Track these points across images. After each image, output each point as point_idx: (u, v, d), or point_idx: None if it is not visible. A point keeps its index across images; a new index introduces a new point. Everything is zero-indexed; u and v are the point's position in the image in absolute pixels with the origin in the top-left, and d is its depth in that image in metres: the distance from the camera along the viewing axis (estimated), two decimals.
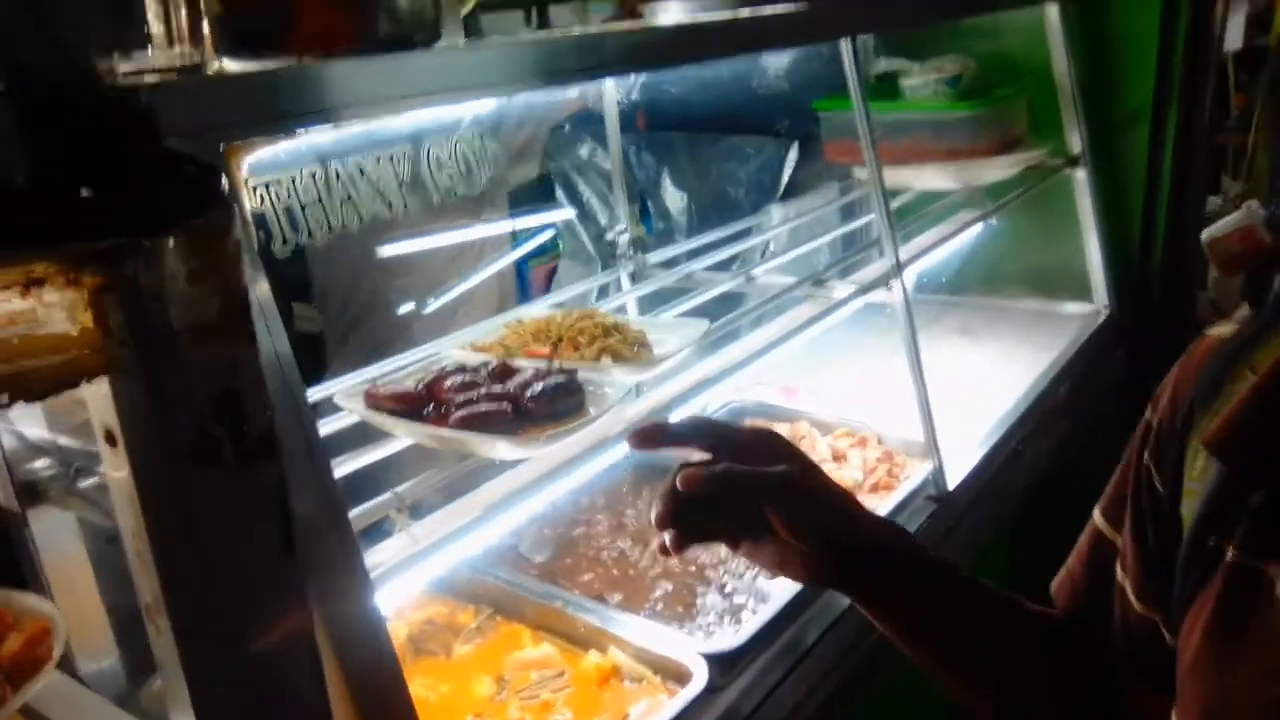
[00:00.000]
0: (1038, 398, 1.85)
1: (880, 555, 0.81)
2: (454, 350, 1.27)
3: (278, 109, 0.70)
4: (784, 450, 0.83)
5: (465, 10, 1.23)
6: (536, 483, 1.10)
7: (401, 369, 1.23)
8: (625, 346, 1.20)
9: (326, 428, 1.11)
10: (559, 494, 1.43)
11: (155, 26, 0.73)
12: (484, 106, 0.94)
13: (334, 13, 0.81)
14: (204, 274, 0.62)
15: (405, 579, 0.98)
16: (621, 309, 1.74)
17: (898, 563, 0.83)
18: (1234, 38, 2.53)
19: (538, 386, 1.07)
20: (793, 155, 2.57)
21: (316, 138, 0.77)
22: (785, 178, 2.59)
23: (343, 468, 1.04)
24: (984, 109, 2.02)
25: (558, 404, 1.07)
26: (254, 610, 0.69)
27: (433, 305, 1.84)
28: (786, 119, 2.61)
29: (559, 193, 2.86)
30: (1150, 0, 2.08)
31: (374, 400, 1.11)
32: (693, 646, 1.15)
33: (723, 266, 1.85)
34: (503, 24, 2.69)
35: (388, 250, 1.73)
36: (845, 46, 1.43)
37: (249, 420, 0.66)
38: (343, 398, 1.12)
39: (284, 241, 0.75)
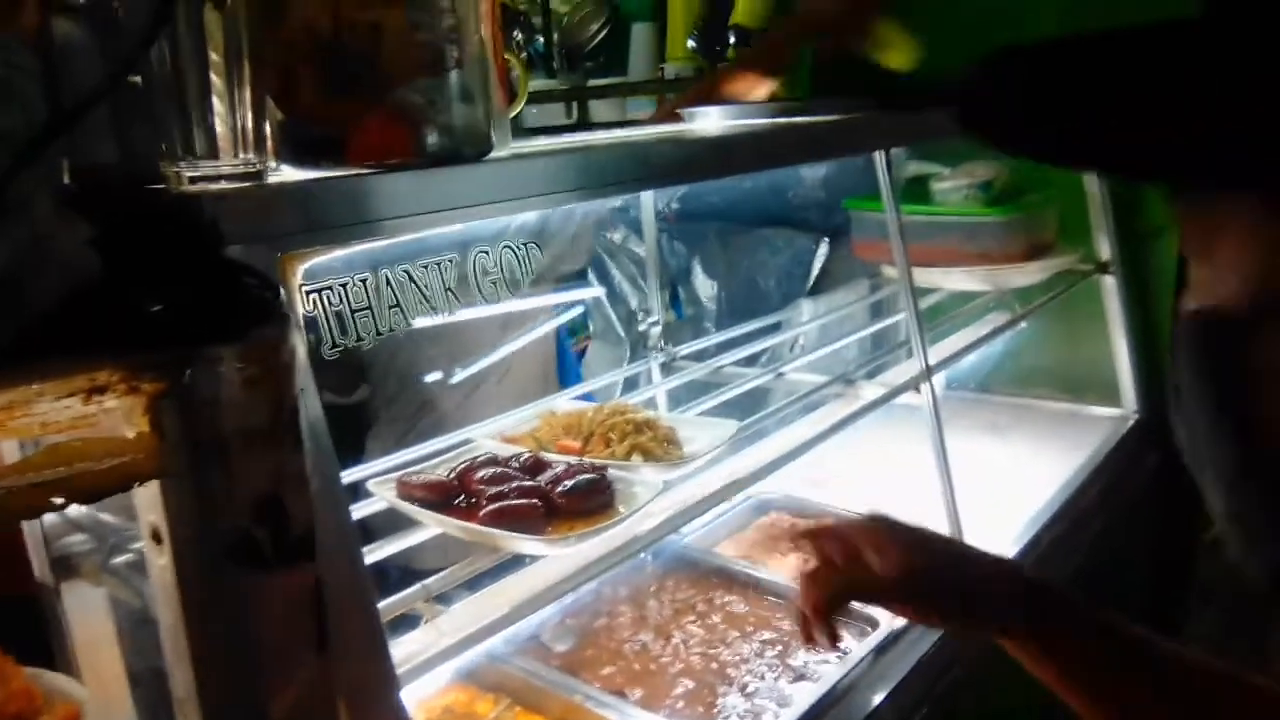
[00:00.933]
0: (1069, 498, 1.84)
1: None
2: (486, 440, 1.29)
3: (332, 220, 0.74)
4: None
5: (514, 112, 1.29)
6: (565, 581, 1.10)
7: (435, 455, 1.25)
8: (656, 444, 1.22)
9: (359, 512, 1.13)
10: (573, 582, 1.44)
11: (222, 132, 0.76)
12: (531, 214, 0.97)
13: (391, 127, 0.85)
14: (257, 382, 0.64)
15: (431, 671, 0.99)
16: (651, 401, 1.76)
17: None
18: None
19: (568, 483, 1.09)
20: (823, 249, 2.60)
21: (368, 245, 0.80)
22: (815, 271, 2.62)
23: (372, 555, 1.06)
24: (1015, 214, 2.05)
25: (587, 501, 1.09)
26: (285, 707, 0.70)
27: (470, 373, 1.91)
28: (817, 213, 2.65)
29: (590, 274, 2.91)
30: None
31: (405, 489, 1.13)
32: None
33: (751, 360, 1.88)
34: (546, 114, 2.79)
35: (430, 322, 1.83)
36: (879, 157, 1.46)
37: (291, 522, 0.68)
38: (375, 485, 1.14)
39: (333, 345, 0.77)
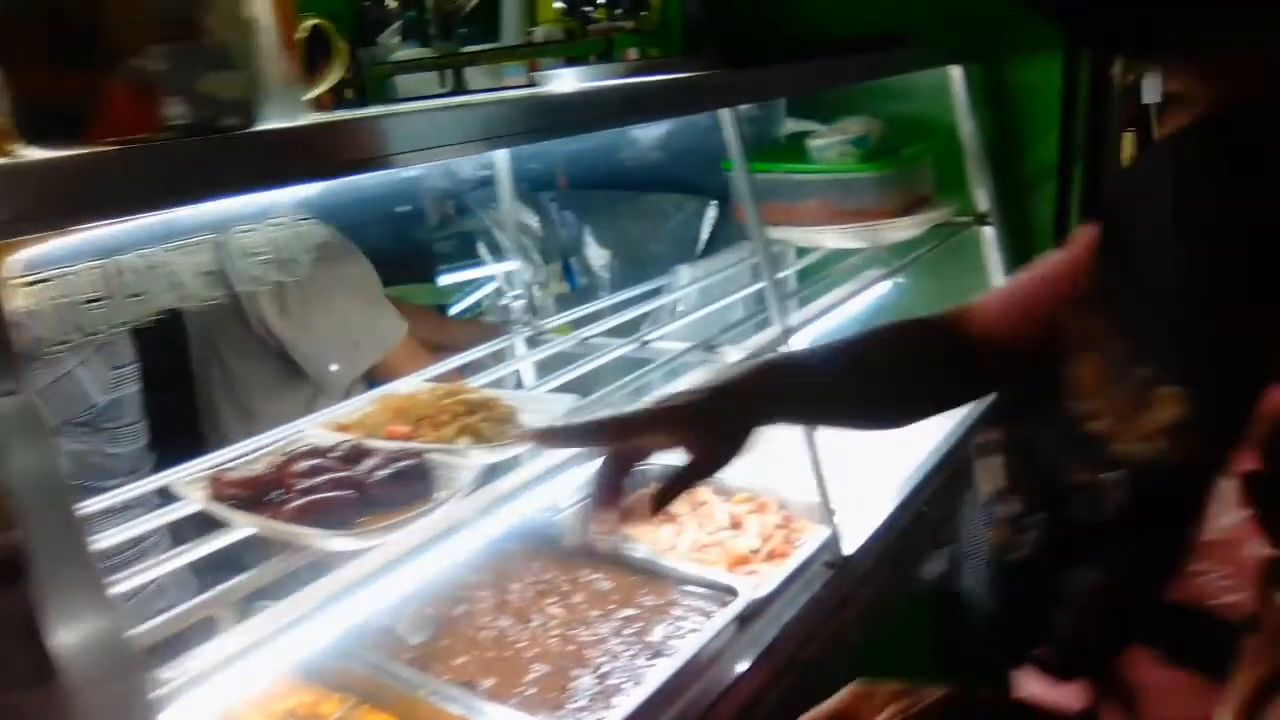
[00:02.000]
0: (942, 457, 1.83)
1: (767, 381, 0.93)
2: (315, 429, 1.23)
3: (39, 206, 0.67)
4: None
5: (328, 81, 1.21)
6: (381, 571, 1.05)
7: (261, 450, 1.19)
8: (490, 425, 1.17)
9: (168, 517, 1.07)
10: (430, 574, 1.39)
11: None
12: (310, 190, 0.91)
13: (130, 100, 0.78)
14: None
15: (244, 673, 0.93)
16: (517, 376, 1.71)
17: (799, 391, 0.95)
18: (1151, 92, 2.57)
19: (382, 472, 1.03)
20: (711, 213, 2.57)
21: (102, 231, 0.74)
22: (704, 236, 2.59)
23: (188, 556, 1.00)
24: (889, 169, 2.03)
25: (404, 489, 1.04)
26: None
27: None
28: (706, 177, 2.61)
29: (482, 248, 2.84)
30: (1052, 60, 2.10)
31: (218, 486, 1.06)
32: None
33: (632, 327, 1.83)
34: (424, 84, 2.70)
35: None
36: (727, 115, 1.42)
37: None
38: (184, 486, 1.08)
39: (62, 342, 0.71)
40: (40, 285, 0.68)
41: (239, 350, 1.81)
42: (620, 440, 0.88)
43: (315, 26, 1.20)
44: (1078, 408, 0.86)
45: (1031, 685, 0.90)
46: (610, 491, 0.87)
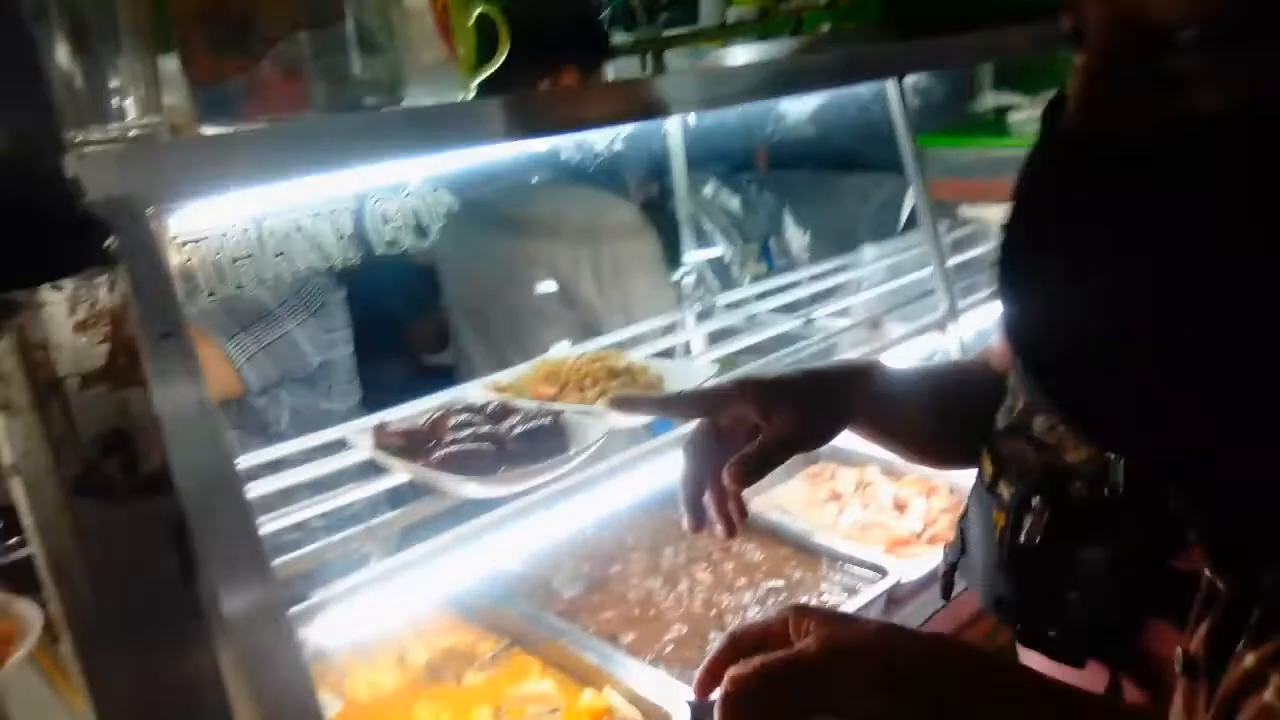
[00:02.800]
0: None
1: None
2: (478, 390, 1.32)
3: (191, 174, 0.77)
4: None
5: (492, 66, 1.29)
6: (535, 523, 1.12)
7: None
8: (630, 389, 1.21)
9: (334, 464, 1.19)
10: (587, 531, 1.46)
11: (109, 101, 0.81)
12: (447, 163, 0.98)
13: (278, 81, 0.88)
14: (88, 325, 0.69)
15: (389, 603, 1.04)
16: (687, 347, 1.75)
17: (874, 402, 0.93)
18: None
19: (520, 428, 1.10)
20: (913, 192, 2.50)
21: (253, 197, 0.84)
22: (905, 214, 2.52)
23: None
24: None
25: (538, 445, 1.10)
26: (154, 642, 0.75)
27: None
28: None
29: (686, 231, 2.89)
30: None
31: (381, 438, 1.17)
32: (685, 694, 1.14)
33: (812, 304, 1.83)
34: (630, 67, 2.78)
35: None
36: (892, 87, 1.39)
37: (140, 457, 0.72)
38: (354, 435, 1.19)
39: (210, 294, 0.82)
40: (199, 244, 0.79)
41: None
42: (699, 411, 0.90)
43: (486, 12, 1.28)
44: None
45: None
46: (701, 467, 0.89)
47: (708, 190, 2.88)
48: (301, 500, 1.11)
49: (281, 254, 0.84)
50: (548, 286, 1.90)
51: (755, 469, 0.86)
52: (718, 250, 2.73)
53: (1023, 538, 0.80)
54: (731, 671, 0.61)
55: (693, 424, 0.93)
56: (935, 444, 1.00)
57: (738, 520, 0.89)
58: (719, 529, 0.89)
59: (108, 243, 0.70)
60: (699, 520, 0.88)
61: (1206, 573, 0.51)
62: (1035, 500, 0.80)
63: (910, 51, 1.40)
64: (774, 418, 0.86)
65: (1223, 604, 0.48)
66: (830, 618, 0.65)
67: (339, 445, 1.26)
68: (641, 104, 1.12)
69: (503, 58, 1.29)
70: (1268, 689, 0.40)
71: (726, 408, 0.88)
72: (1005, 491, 0.83)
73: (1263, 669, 0.42)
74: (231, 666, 0.79)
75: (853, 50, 1.34)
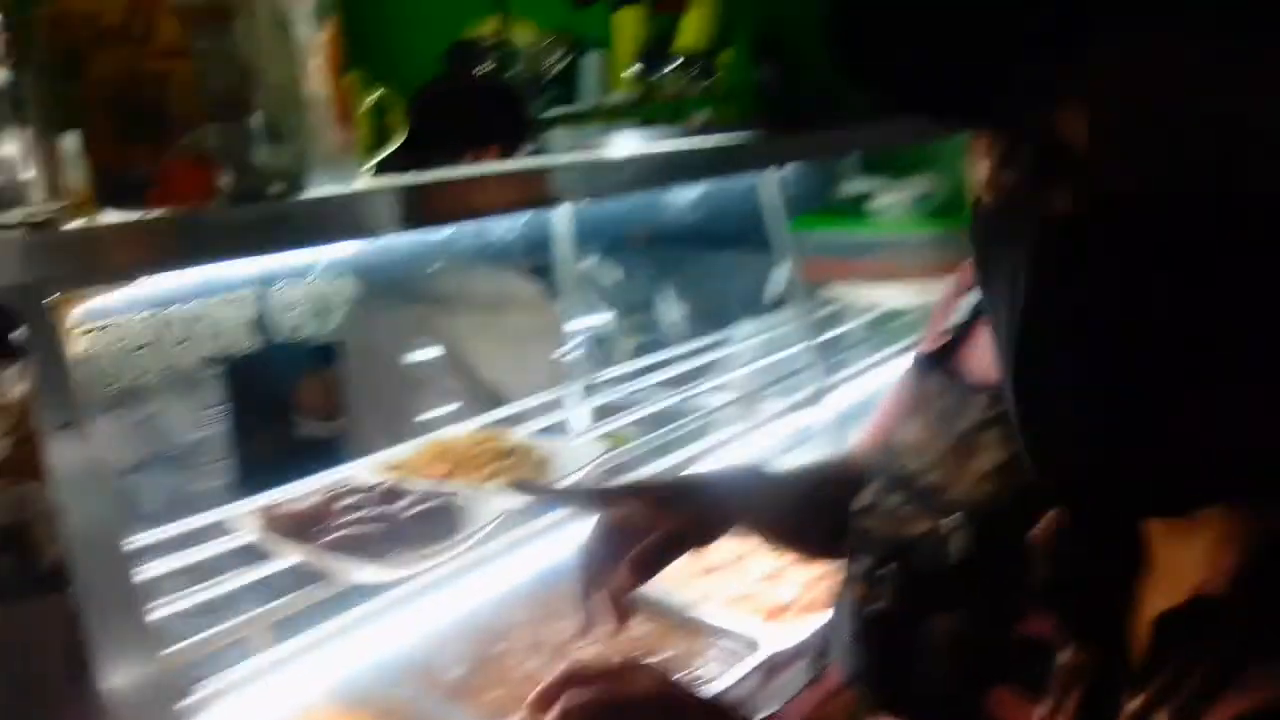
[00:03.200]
0: None
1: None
2: (365, 471, 1.32)
3: (96, 262, 0.77)
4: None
5: (386, 150, 1.32)
6: (420, 605, 1.13)
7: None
8: (520, 469, 1.24)
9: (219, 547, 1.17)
10: (470, 611, 1.47)
11: (7, 186, 0.81)
12: (349, 249, 1.00)
13: (188, 171, 0.88)
14: None
15: (284, 693, 1.02)
16: (570, 424, 1.79)
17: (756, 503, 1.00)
18: None
19: (412, 510, 1.11)
20: (782, 269, 2.62)
21: (157, 284, 0.84)
22: (775, 291, 2.63)
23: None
24: (952, 228, 2.04)
25: (429, 527, 1.11)
26: None
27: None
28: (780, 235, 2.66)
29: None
30: None
31: (268, 519, 1.16)
32: None
33: (692, 378, 1.90)
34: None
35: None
36: (771, 175, 1.48)
37: (37, 553, 0.71)
38: (240, 518, 1.18)
39: (113, 383, 0.81)
40: (99, 332, 0.78)
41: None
42: (597, 506, 0.94)
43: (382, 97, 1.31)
44: (911, 465, 0.90)
45: None
46: (599, 564, 0.93)
47: (585, 264, 2.94)
48: (178, 586, 1.09)
49: (184, 341, 0.84)
50: (442, 357, 1.91)
51: (652, 565, 0.90)
52: (599, 321, 2.80)
53: (873, 609, 0.86)
54: (566, 699, 0.66)
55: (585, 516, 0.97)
56: (811, 539, 1.06)
57: (629, 613, 0.93)
58: (609, 623, 0.92)
59: (15, 334, 0.70)
60: (593, 619, 0.92)
61: (1069, 649, 0.56)
62: (883, 571, 0.86)
63: (787, 145, 1.49)
64: (667, 518, 0.91)
65: (1088, 674, 0.52)
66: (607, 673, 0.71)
67: (217, 528, 1.24)
68: (533, 194, 1.16)
69: (397, 142, 1.33)
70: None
71: (622, 506, 0.93)
72: (861, 566, 0.90)
73: (1147, 709, 0.46)
74: None
75: (735, 144, 1.41)
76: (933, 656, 0.85)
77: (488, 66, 2.81)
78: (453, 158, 2.05)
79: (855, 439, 1.16)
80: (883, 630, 0.88)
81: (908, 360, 1.97)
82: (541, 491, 1.03)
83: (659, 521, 0.92)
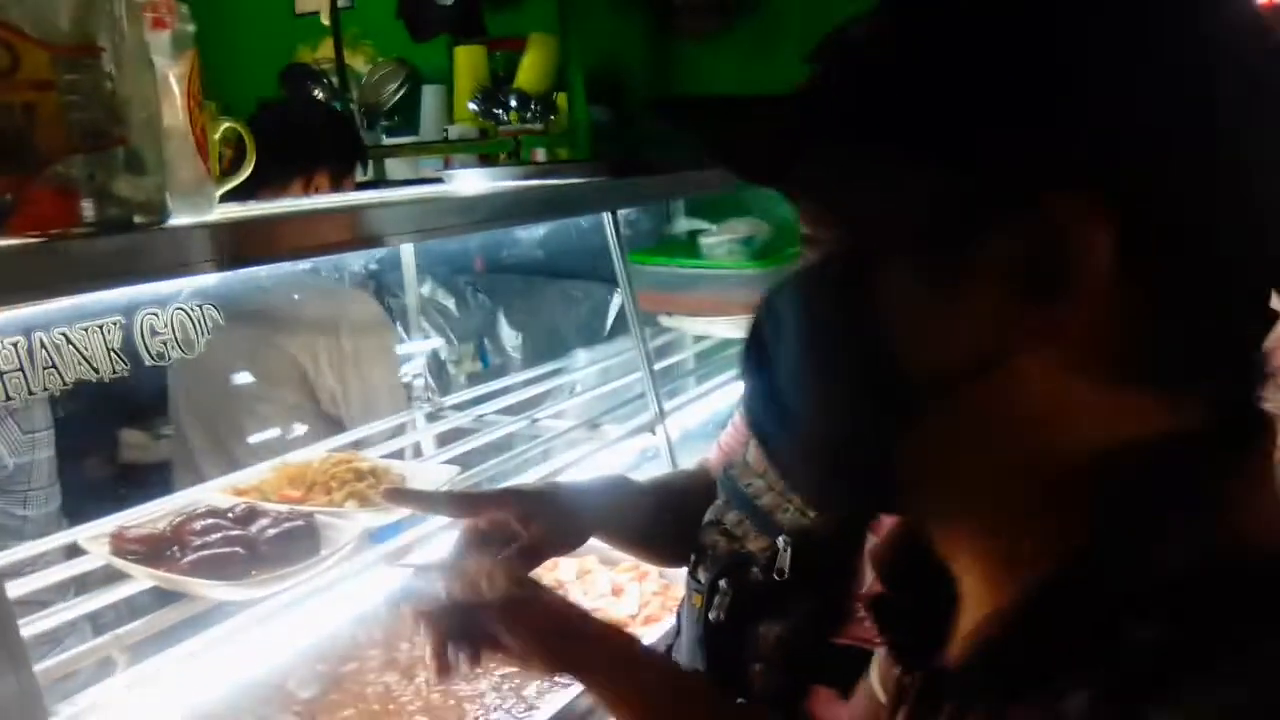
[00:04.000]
0: None
1: None
2: (216, 494, 1.33)
3: None
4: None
5: (237, 179, 1.34)
6: (272, 627, 1.15)
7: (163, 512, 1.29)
8: (376, 491, 1.28)
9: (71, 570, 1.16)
10: (322, 631, 1.49)
11: None
12: (211, 277, 1.03)
13: (51, 200, 0.90)
14: None
15: (134, 717, 1.03)
16: (417, 448, 1.83)
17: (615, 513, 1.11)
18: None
19: (272, 530, 1.14)
20: (617, 299, 2.73)
21: (22, 310, 0.86)
22: (610, 319, 2.75)
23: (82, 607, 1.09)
24: (775, 267, 2.20)
25: (291, 547, 1.14)
26: None
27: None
28: (614, 266, 2.78)
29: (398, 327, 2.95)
30: None
31: (119, 544, 1.16)
32: None
33: (533, 405, 1.97)
34: None
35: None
36: (606, 218, 1.58)
37: None
38: (87, 541, 1.17)
39: None
40: None
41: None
42: (466, 511, 1.01)
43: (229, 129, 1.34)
44: (753, 485, 1.03)
45: None
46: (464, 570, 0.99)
47: (424, 289, 2.97)
48: (27, 610, 1.08)
49: (51, 366, 0.86)
50: (283, 379, 1.92)
51: (517, 570, 0.97)
52: (433, 344, 2.83)
53: (712, 615, 0.96)
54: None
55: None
56: (665, 547, 1.16)
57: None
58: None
59: None
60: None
61: (895, 672, 0.60)
62: (722, 583, 0.96)
63: (623, 188, 1.60)
64: (531, 525, 0.98)
65: (914, 693, 0.56)
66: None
67: (58, 553, 1.23)
68: (372, 231, 1.21)
69: (248, 171, 1.36)
70: None
71: (489, 512, 0.99)
72: (702, 576, 1.00)
73: None
74: None
75: (575, 186, 1.51)
76: (763, 662, 0.96)
77: (324, 90, 2.83)
78: (283, 180, 2.06)
79: (707, 454, 1.27)
80: (720, 637, 0.98)
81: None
82: (413, 498, 1.08)
83: (524, 527, 0.99)
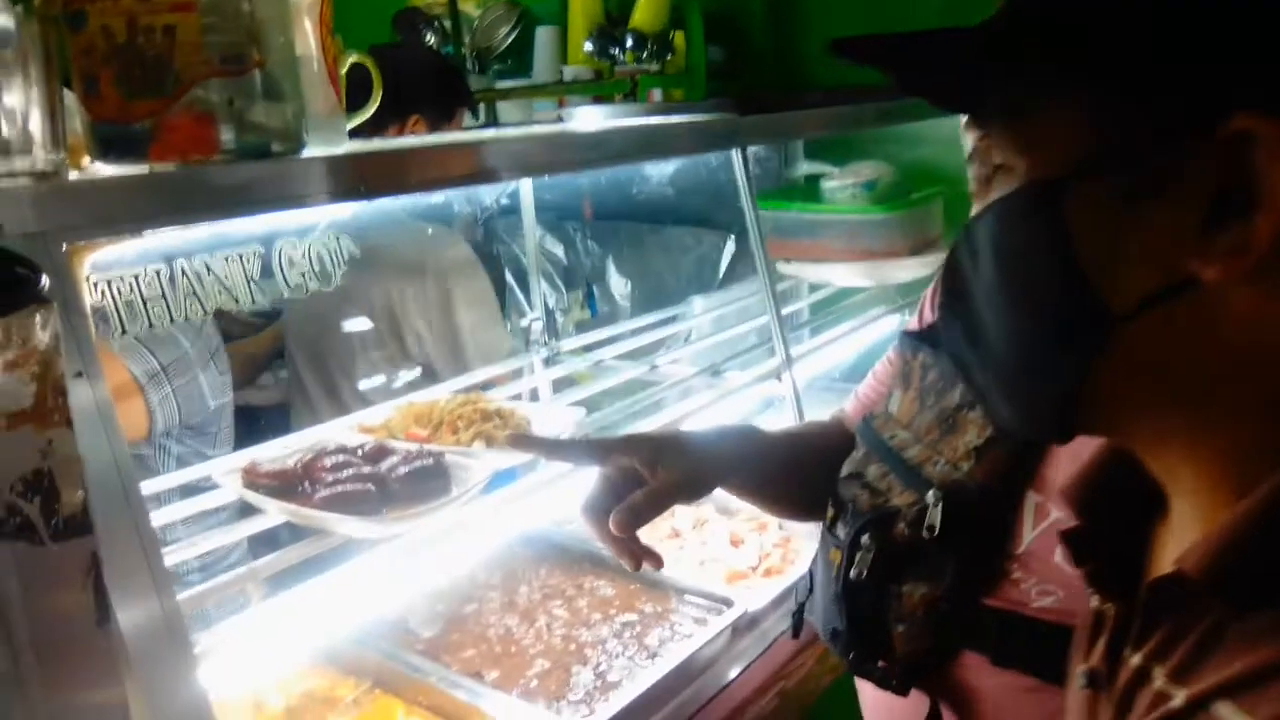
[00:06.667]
0: None
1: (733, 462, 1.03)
2: (343, 431, 1.33)
3: (109, 214, 0.78)
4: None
5: (365, 113, 1.32)
6: (396, 565, 1.14)
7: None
8: (503, 432, 1.26)
9: (207, 502, 1.17)
10: (444, 571, 1.48)
11: (12, 134, 0.80)
12: (345, 210, 1.01)
13: (190, 126, 0.89)
14: (19, 363, 0.68)
15: (263, 650, 1.03)
16: (534, 393, 1.81)
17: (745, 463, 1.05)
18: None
19: (403, 469, 1.13)
20: (730, 246, 2.67)
21: (165, 238, 0.84)
22: (723, 267, 2.68)
23: (214, 539, 1.10)
24: (898, 212, 2.11)
25: (421, 485, 1.13)
26: (68, 680, 0.73)
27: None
28: (727, 212, 2.71)
29: (509, 276, 2.95)
30: None
31: (251, 478, 1.16)
32: None
33: (648, 352, 1.93)
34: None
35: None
36: (736, 156, 1.52)
37: (60, 499, 0.71)
38: (222, 476, 1.18)
39: (123, 332, 0.81)
40: (109, 283, 0.79)
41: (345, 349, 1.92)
42: (591, 458, 0.97)
43: (356, 63, 1.31)
44: (897, 437, 0.96)
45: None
46: (602, 512, 0.96)
47: (530, 234, 2.95)
48: (171, 539, 1.09)
49: (193, 293, 0.85)
50: (379, 320, 1.92)
51: (638, 515, 0.93)
52: (550, 293, 2.81)
53: (853, 573, 0.91)
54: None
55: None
56: (795, 500, 1.11)
57: (643, 556, 0.96)
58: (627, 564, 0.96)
59: (42, 281, 0.70)
60: (634, 560, 0.96)
61: (1094, 602, 0.61)
62: (864, 539, 0.91)
63: (756, 124, 1.53)
64: (658, 472, 0.94)
65: (1112, 621, 0.57)
66: None
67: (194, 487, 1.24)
68: (506, 165, 1.18)
69: (374, 107, 1.33)
70: (1155, 680, 0.50)
71: (615, 458, 0.96)
72: (841, 531, 0.95)
73: (1146, 664, 0.51)
74: (138, 706, 0.79)
75: (706, 123, 1.45)
76: (907, 622, 0.91)
77: (436, 35, 2.81)
78: (376, 126, 2.04)
79: (845, 405, 1.21)
80: (860, 595, 0.93)
81: (879, 335, 2.04)
82: (540, 444, 1.05)
83: (651, 474, 0.95)
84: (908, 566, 0.91)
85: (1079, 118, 0.51)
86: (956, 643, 0.89)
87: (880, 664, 0.94)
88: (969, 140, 0.95)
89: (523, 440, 1.06)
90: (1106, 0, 0.50)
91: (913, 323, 1.16)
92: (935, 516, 0.88)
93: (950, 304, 0.60)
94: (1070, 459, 0.83)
